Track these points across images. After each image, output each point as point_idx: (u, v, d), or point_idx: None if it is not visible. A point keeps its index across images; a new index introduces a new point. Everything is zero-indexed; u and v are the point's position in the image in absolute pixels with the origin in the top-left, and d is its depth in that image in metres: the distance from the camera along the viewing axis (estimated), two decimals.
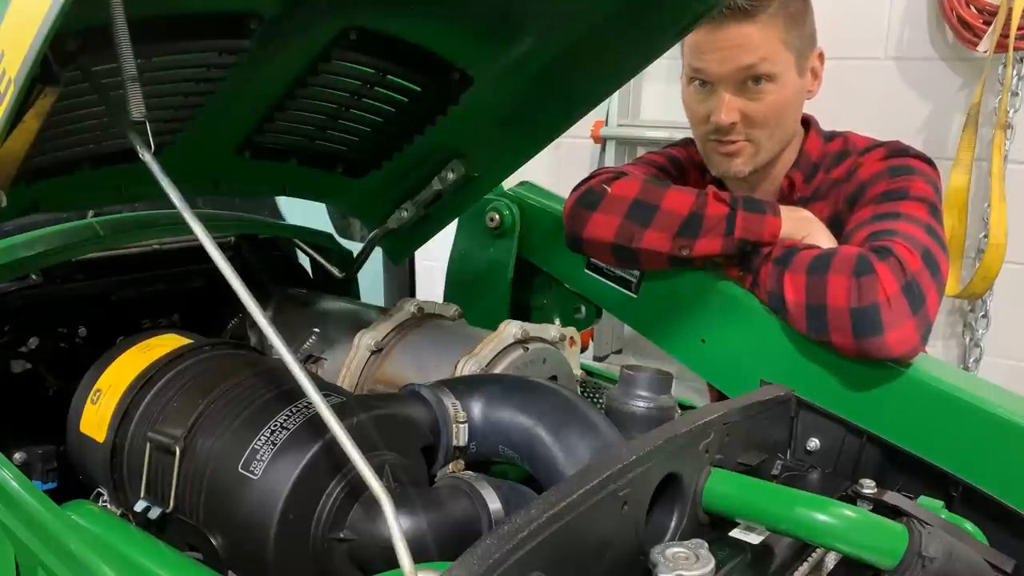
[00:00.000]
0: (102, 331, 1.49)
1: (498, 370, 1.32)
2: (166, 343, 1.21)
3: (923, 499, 1.12)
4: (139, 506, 1.05)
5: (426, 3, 1.28)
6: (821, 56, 1.61)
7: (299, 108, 1.44)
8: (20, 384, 1.43)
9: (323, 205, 2.03)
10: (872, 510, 1.03)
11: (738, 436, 1.12)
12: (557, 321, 1.74)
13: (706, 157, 1.65)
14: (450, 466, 1.17)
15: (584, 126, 3.02)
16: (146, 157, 0.95)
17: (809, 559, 1.00)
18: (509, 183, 1.80)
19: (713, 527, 1.02)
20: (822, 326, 1.31)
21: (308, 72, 1.34)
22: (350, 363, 1.43)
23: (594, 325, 1.85)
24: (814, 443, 1.34)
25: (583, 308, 1.80)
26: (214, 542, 0.99)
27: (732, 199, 1.45)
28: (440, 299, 1.80)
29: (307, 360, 1.52)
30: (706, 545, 0.84)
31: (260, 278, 1.75)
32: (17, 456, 1.30)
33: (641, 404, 1.21)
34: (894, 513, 1.03)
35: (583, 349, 1.90)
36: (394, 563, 0.74)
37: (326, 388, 1.11)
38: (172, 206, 0.94)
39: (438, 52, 1.37)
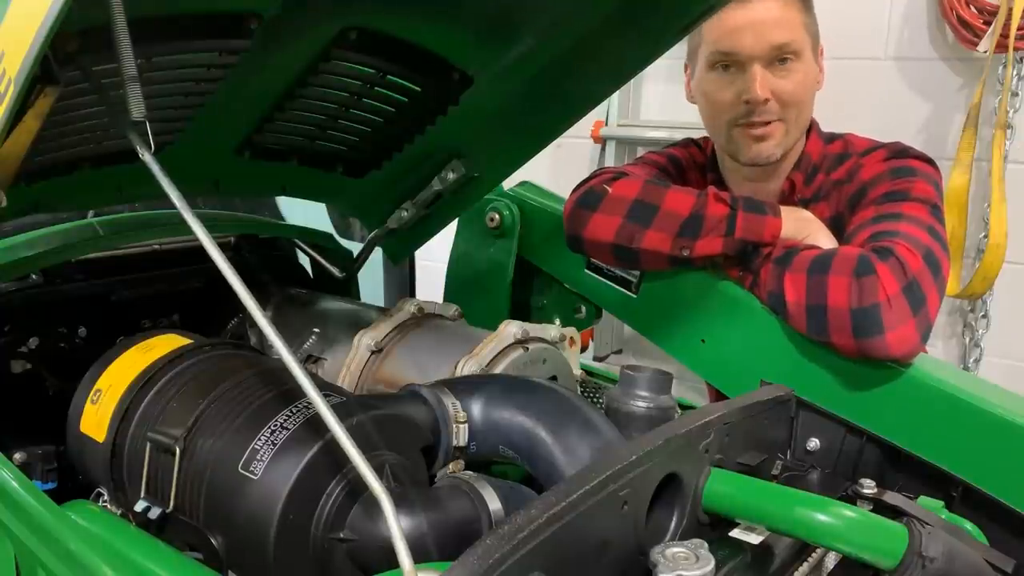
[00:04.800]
0: (102, 331, 1.49)
1: (498, 370, 1.32)
2: (166, 343, 1.21)
3: (923, 499, 1.12)
4: (139, 506, 1.05)
5: (426, 3, 1.28)
6: (822, 52, 1.64)
7: (299, 108, 1.44)
8: (20, 384, 1.43)
9: (323, 205, 2.03)
10: (872, 510, 1.03)
11: (738, 436, 1.12)
12: (557, 321, 1.74)
13: (732, 146, 1.62)
14: (450, 466, 1.17)
15: (584, 126, 3.02)
16: (146, 157, 0.95)
17: (809, 559, 1.00)
18: (509, 183, 1.80)
19: (713, 527, 1.02)
20: (822, 326, 1.31)
21: (308, 72, 1.34)
22: (350, 363, 1.43)
23: (594, 325, 1.85)
24: (814, 443, 1.34)
25: (583, 308, 1.80)
26: (214, 542, 0.99)
27: (732, 199, 1.45)
28: (440, 299, 1.80)
29: (307, 360, 1.52)
30: (706, 545, 0.84)
31: (260, 278, 1.75)
32: (17, 456, 1.30)
33: (641, 404, 1.21)
34: (894, 513, 1.03)
35: (583, 349, 1.89)
36: (394, 563, 0.74)
37: (326, 388, 1.11)
38: (172, 206, 0.94)
39: (438, 52, 1.37)
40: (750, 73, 1.53)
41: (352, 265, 1.90)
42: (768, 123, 1.56)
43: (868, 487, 1.09)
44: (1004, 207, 2.52)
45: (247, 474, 0.97)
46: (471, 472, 1.10)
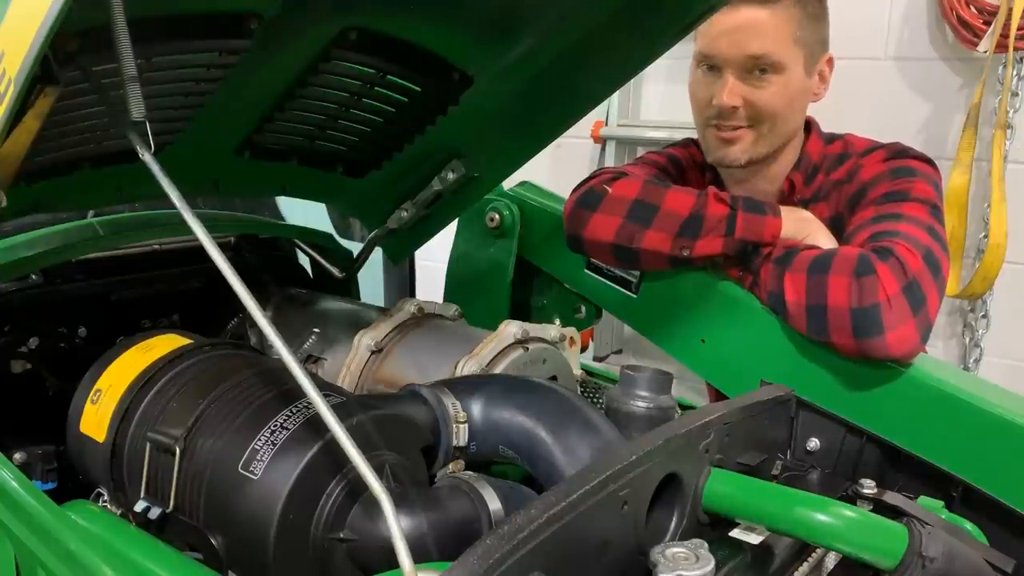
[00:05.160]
0: (102, 331, 1.49)
1: (498, 370, 1.32)
2: (166, 343, 1.21)
3: (923, 499, 1.12)
4: (139, 506, 1.05)
5: (426, 3, 1.28)
6: (831, 61, 1.62)
7: (299, 108, 1.44)
8: (20, 384, 1.43)
9: (323, 205, 2.04)
10: (872, 510, 1.03)
11: (738, 436, 1.12)
12: (557, 321, 1.74)
13: (704, 144, 1.65)
14: (450, 466, 1.17)
15: (584, 126, 3.02)
16: (146, 157, 0.95)
17: (809, 559, 1.00)
18: (509, 183, 1.80)
19: (713, 527, 1.02)
20: (822, 326, 1.31)
21: (308, 72, 1.34)
22: (350, 363, 1.43)
23: (594, 325, 1.85)
24: (814, 443, 1.34)
25: (583, 308, 1.80)
26: (214, 542, 0.99)
27: (733, 200, 1.45)
28: (440, 299, 1.80)
29: (307, 360, 1.52)
30: (706, 545, 0.84)
31: (260, 278, 1.75)
32: (17, 456, 1.30)
33: (641, 404, 1.21)
34: (894, 513, 1.03)
35: (583, 349, 1.89)
36: (394, 563, 0.74)
37: (326, 388, 1.11)
38: (172, 206, 0.94)
39: (438, 52, 1.37)
40: (723, 79, 1.54)
41: (352, 265, 1.90)
42: (736, 128, 1.57)
43: (868, 487, 1.09)
44: (1004, 207, 2.53)
45: (247, 474, 0.97)
46: (471, 472, 1.10)
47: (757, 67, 1.52)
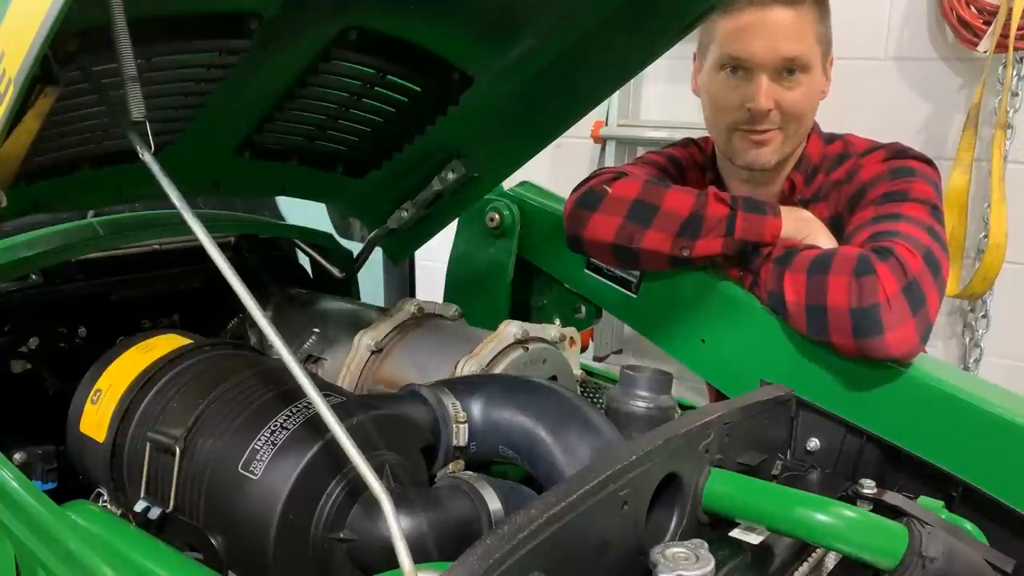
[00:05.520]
0: (102, 331, 1.49)
1: (498, 370, 1.32)
2: (166, 343, 1.21)
3: (923, 499, 1.12)
4: (139, 506, 1.05)
5: (426, 3, 1.28)
6: (832, 61, 1.62)
7: (299, 108, 1.44)
8: (20, 384, 1.43)
9: (323, 205, 2.04)
10: (872, 510, 1.03)
11: (738, 436, 1.12)
12: (557, 321, 1.74)
13: (730, 148, 1.62)
14: (450, 466, 1.17)
15: (584, 126, 3.02)
16: (146, 157, 0.95)
17: (809, 559, 1.00)
18: (509, 183, 1.80)
19: (713, 527, 1.02)
20: (822, 326, 1.31)
21: (308, 72, 1.34)
22: (350, 363, 1.43)
23: (594, 325, 1.85)
24: (814, 443, 1.34)
25: (583, 308, 1.80)
26: (214, 542, 0.99)
27: (732, 199, 1.45)
28: (440, 299, 1.80)
29: (307, 360, 1.52)
30: (706, 545, 0.84)
31: (260, 278, 1.75)
32: (17, 456, 1.30)
33: (641, 404, 1.21)
34: (894, 513, 1.03)
35: (583, 349, 1.89)
36: (394, 563, 0.74)
37: (326, 388, 1.11)
38: (172, 206, 0.94)
39: (438, 52, 1.38)
40: (756, 82, 1.52)
41: (352, 265, 1.90)
42: (768, 131, 1.56)
43: (868, 487, 1.09)
44: (1004, 207, 2.53)
45: (247, 474, 0.97)
46: (471, 472, 1.10)
47: (787, 68, 1.52)
